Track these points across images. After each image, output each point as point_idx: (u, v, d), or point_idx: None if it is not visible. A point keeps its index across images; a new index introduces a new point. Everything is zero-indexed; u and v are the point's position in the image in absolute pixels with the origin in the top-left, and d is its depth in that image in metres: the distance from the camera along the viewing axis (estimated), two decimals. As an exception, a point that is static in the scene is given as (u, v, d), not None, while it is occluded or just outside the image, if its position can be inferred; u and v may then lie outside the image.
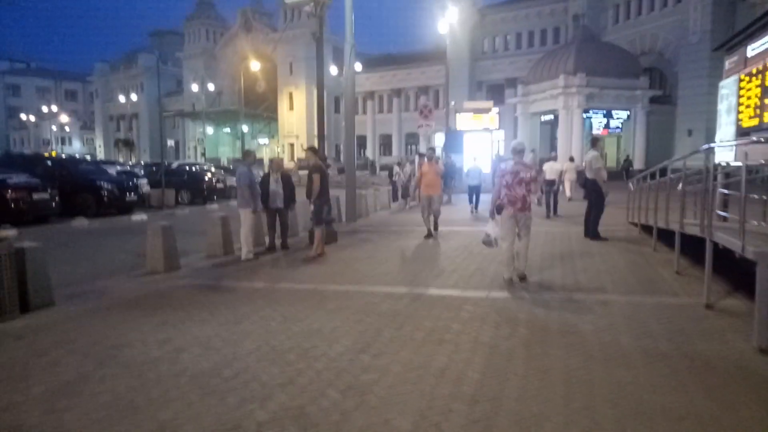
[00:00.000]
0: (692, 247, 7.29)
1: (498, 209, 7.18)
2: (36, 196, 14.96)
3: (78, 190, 16.79)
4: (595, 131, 36.64)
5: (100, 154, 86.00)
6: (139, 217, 16.73)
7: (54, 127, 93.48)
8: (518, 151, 7.33)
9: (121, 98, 78.98)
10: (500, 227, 7.18)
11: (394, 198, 20.08)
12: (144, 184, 20.62)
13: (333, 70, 48.34)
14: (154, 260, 8.23)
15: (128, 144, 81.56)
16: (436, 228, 11.43)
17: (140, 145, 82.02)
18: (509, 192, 7.06)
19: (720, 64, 31.07)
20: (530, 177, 7.13)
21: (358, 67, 46.67)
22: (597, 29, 42.00)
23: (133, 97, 77.69)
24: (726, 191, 6.40)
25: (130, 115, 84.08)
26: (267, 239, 10.40)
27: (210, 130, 67.11)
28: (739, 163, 5.43)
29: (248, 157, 9.46)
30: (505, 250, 7.13)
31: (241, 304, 6.24)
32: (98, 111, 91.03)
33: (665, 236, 8.78)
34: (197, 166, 26.65)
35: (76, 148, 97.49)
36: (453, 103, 28.84)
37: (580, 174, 13.26)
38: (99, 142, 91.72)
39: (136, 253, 9.86)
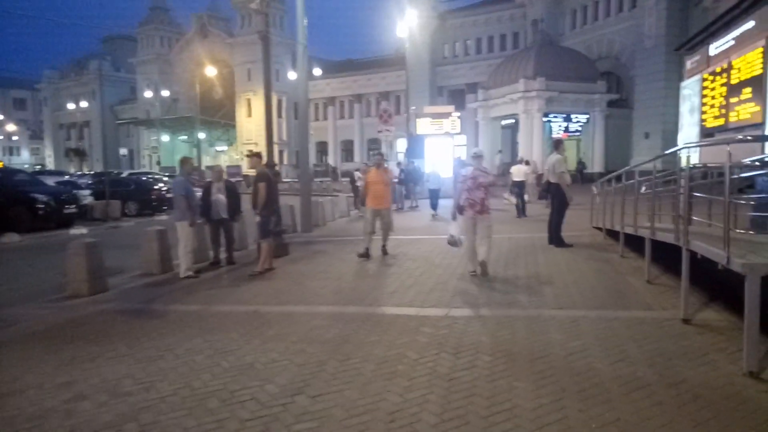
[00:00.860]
0: (662, 254, 6.85)
1: (459, 211, 7.76)
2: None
3: (10, 204, 15.51)
4: (555, 135, 36.83)
5: (50, 165, 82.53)
6: (77, 230, 15.57)
7: (0, 137, 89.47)
8: (477, 157, 8.04)
9: (72, 106, 76.03)
10: (461, 228, 7.80)
11: (356, 205, 19.32)
12: (86, 195, 19.40)
13: (291, 75, 47.41)
14: (77, 282, 7.33)
15: (79, 153, 78.50)
16: (384, 249, 9.60)
17: (92, 154, 79.03)
18: (469, 195, 7.62)
19: (676, 68, 31.46)
20: (488, 182, 7.81)
21: (317, 72, 46.17)
22: (555, 34, 42.39)
23: (85, 104, 74.82)
24: (698, 195, 5.95)
25: (81, 123, 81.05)
26: (211, 253, 9.60)
27: (166, 137, 65.14)
28: (717, 163, 4.99)
29: (185, 165, 8.64)
30: (467, 248, 7.79)
31: (168, 333, 5.45)
32: (47, 120, 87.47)
33: (632, 241, 8.37)
34: (146, 176, 25.37)
35: (24, 158, 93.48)
36: (413, 108, 28.38)
37: (539, 178, 12.90)
38: (49, 152, 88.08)
39: (64, 273, 8.92)
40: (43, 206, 15.77)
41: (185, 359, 4.65)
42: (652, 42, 34.35)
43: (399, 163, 23.35)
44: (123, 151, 67.38)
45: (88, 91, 79.75)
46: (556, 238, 9.89)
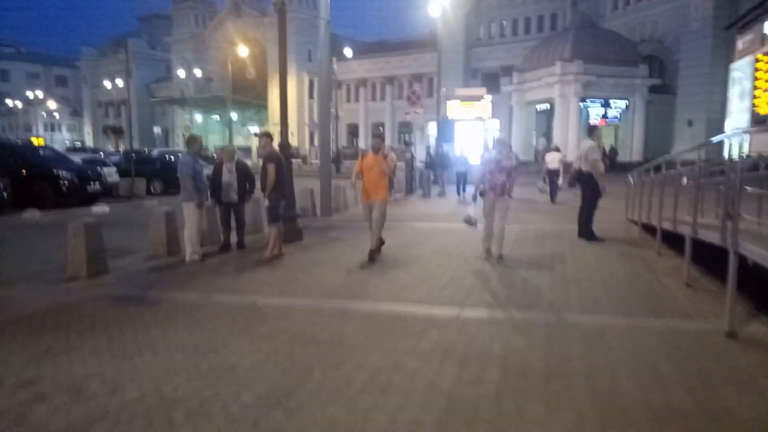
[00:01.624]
0: (703, 252, 6.15)
1: (480, 193, 8.08)
2: (-18, 187, 13.71)
3: (34, 180, 15.53)
4: (592, 121, 35.48)
5: (89, 142, 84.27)
6: (100, 208, 15.49)
7: (43, 114, 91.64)
8: (501, 142, 8.31)
9: (109, 84, 77.19)
10: (482, 209, 8.13)
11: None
12: (112, 173, 19.38)
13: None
14: (76, 264, 7.04)
15: (116, 131, 79.78)
16: (376, 248, 7.99)
17: (129, 132, 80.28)
18: (491, 178, 7.89)
19: (723, 52, 29.80)
20: (510, 166, 7.97)
21: (348, 52, 45.43)
22: (595, 16, 40.73)
23: (121, 83, 75.74)
24: (750, 189, 5.23)
25: (118, 101, 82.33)
26: (222, 237, 9.25)
27: (199, 117, 65.56)
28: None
29: (193, 145, 8.23)
30: (485, 228, 8.08)
31: (154, 324, 5.06)
32: (86, 97, 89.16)
33: (671, 238, 7.65)
34: (174, 155, 25.27)
35: (65, 135, 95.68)
36: (444, 90, 27.52)
37: (568, 166, 12.22)
38: (88, 129, 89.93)
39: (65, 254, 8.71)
40: (66, 183, 15.73)
41: (164, 357, 4.25)
42: (698, 24, 32.62)
43: (428, 147, 22.70)
44: (157, 129, 68.33)
45: (124, 69, 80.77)
46: (586, 231, 9.20)
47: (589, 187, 9.09)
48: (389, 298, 5.89)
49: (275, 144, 8.66)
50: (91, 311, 5.56)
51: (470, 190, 15.65)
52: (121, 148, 63.87)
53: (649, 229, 9.54)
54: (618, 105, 35.10)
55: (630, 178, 11.56)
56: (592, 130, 9.18)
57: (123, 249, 9.25)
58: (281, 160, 8.12)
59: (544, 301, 5.68)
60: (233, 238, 9.23)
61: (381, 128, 56.55)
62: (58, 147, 57.41)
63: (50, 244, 10.23)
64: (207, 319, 5.21)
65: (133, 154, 22.62)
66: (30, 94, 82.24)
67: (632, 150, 35.17)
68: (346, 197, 15.14)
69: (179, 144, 70.47)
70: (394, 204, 16.44)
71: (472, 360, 4.08)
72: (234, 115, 57.57)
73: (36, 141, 71.12)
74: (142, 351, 4.39)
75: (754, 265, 4.14)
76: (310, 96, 58.11)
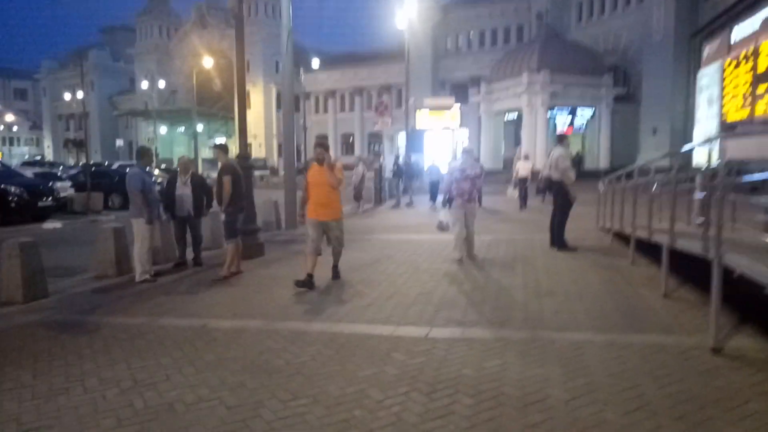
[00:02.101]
0: (679, 261, 5.91)
1: (449, 201, 8.54)
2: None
3: (-21, 196, 14.66)
4: (559, 130, 35.81)
5: (50, 155, 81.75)
6: (51, 224, 14.70)
7: (0, 127, 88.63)
8: (467, 152, 8.94)
9: (70, 97, 75.17)
10: (451, 215, 8.56)
11: (355, 198, 18.16)
12: (66, 187, 18.51)
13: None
14: (11, 288, 6.42)
15: (78, 144, 77.55)
16: (336, 272, 7.29)
17: (91, 145, 78.18)
18: (458, 186, 8.36)
19: (685, 62, 30.36)
20: (475, 174, 8.43)
21: (316, 64, 45.08)
22: (561, 27, 41.28)
23: (83, 95, 73.78)
24: (736, 196, 5.00)
25: (79, 114, 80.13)
26: (178, 253, 8.71)
27: (164, 129, 64.22)
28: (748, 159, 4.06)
29: (144, 158, 7.71)
30: (456, 235, 8.41)
31: (89, 355, 4.54)
32: (47, 110, 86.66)
33: (644, 246, 7.43)
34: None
35: (23, 149, 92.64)
36: (412, 99, 27.34)
37: (536, 174, 12.07)
38: (48, 143, 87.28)
39: None
40: (14, 198, 14.87)
41: (94, 394, 3.74)
42: (660, 35, 33.27)
43: (397, 157, 22.39)
44: (119, 142, 66.77)
45: (86, 82, 78.71)
46: (558, 241, 8.95)
47: (560, 196, 8.86)
48: (352, 318, 5.47)
49: (233, 155, 8.21)
50: (20, 341, 5.00)
51: (441, 198, 15.51)
52: (80, 162, 62.20)
53: (621, 237, 9.35)
54: (585, 114, 35.49)
55: (601, 185, 11.41)
56: (561, 138, 8.98)
57: (70, 268, 8.66)
58: (238, 171, 7.65)
59: (517, 316, 5.34)
60: (189, 255, 8.70)
61: (351, 138, 56.23)
62: (17, 161, 55.49)
63: None
64: (149, 347, 4.70)
65: (92, 168, 21.74)
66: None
67: (599, 157, 35.54)
68: (313, 209, 14.66)
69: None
70: (363, 215, 16.06)
71: (442, 387, 3.68)
72: (200, 127, 56.57)
73: (-8, 155, 68.50)
74: (71, 388, 3.87)
75: (738, 276, 3.87)
76: (278, 107, 57.47)
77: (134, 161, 8.31)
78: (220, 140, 63.21)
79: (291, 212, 12.72)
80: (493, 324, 5.11)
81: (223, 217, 7.50)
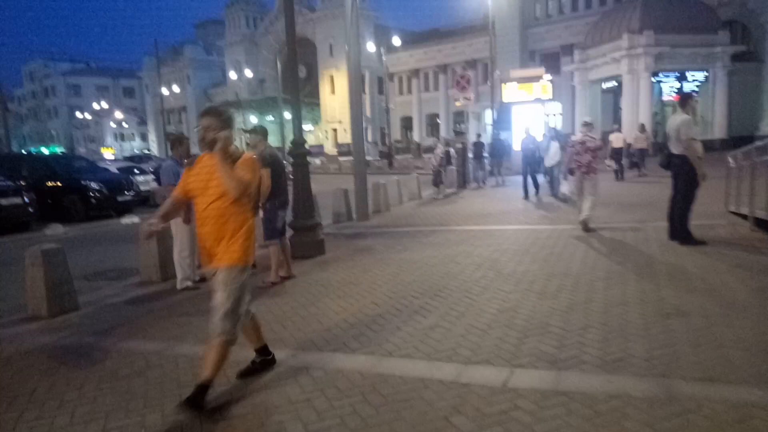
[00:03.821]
0: None
1: (570, 171, 9.02)
2: (5, 201, 13.03)
3: (62, 192, 14.85)
4: (665, 97, 32.15)
5: (154, 149, 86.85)
6: (129, 220, 14.57)
7: (112, 124, 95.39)
8: (587, 125, 9.03)
9: (168, 91, 79.08)
10: (572, 185, 9.26)
11: (434, 183, 16.69)
12: (148, 181, 18.60)
13: (370, 47, 45.33)
14: (36, 300, 5.76)
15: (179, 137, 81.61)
16: (195, 401, 3.26)
17: (190, 137, 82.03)
18: (578, 158, 8.69)
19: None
20: (595, 146, 8.69)
21: (396, 42, 43.67)
22: (665, -19, 37.00)
23: (178, 89, 77.51)
24: None
25: (178, 108, 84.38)
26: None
27: (254, 119, 65.75)
28: None
29: (178, 147, 6.84)
30: (583, 203, 8.71)
31: (72, 402, 3.62)
32: (149, 105, 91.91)
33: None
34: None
35: (134, 144, 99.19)
36: (498, 72, 25.34)
37: (656, 148, 10.18)
38: (152, 137, 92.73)
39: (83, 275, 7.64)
40: (95, 194, 14.92)
41: (39, 478, 2.76)
42: (791, -21, 28.68)
43: (478, 135, 20.69)
44: (213, 133, 69.10)
45: (183, 76, 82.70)
46: (681, 232, 7.13)
47: (682, 175, 7.00)
48: (407, 348, 4.19)
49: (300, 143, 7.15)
50: (12, 375, 4.19)
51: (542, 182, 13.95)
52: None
53: (763, 223, 7.36)
54: (696, 77, 31.55)
55: (730, 159, 9.28)
56: (685, 100, 7.06)
57: (125, 270, 8.11)
58: (278, 162, 6.56)
59: (636, 351, 3.82)
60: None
61: (436, 118, 54.42)
62: (126, 156, 58.85)
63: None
64: (147, 392, 3.71)
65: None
66: (96, 106, 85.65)
67: (713, 126, 31.55)
68: (388, 197, 13.49)
69: (237, 148, 71.04)
70: (442, 202, 14.68)
71: (524, 498, 2.33)
72: (287, 115, 57.27)
73: (105, 151, 73.82)
74: (20, 461, 2.93)
75: None
76: (364, 91, 56.85)
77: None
78: (308, 127, 63.92)
79: (362, 202, 11.61)
80: (601, 365, 3.64)
81: (260, 214, 6.45)
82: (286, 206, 6.75)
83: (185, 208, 6.39)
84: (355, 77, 11.83)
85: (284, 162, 6.88)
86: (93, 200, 14.94)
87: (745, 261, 6.10)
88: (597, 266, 6.35)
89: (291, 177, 7.83)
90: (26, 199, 13.48)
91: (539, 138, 15.45)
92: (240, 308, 3.50)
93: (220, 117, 3.40)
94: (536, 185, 14.02)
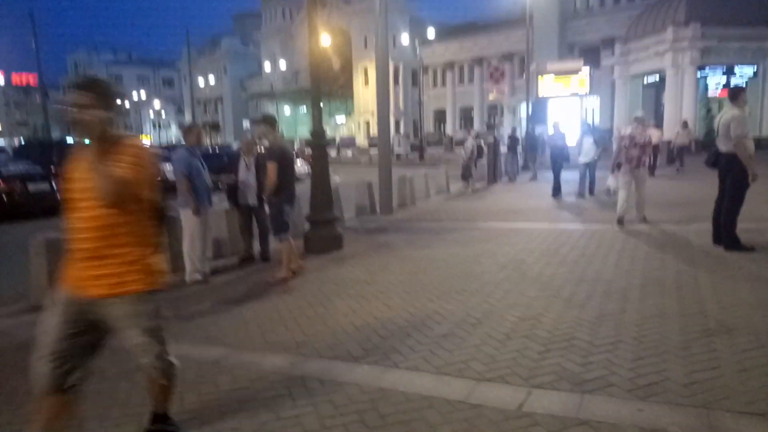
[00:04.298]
0: None
1: (618, 166, 8.97)
2: (33, 186, 13.15)
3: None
4: (711, 93, 30.73)
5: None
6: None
7: (152, 113, 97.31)
8: (639, 120, 9.01)
9: (205, 81, 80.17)
10: (619, 180, 9.01)
11: (463, 176, 16.16)
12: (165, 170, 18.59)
13: (405, 39, 44.76)
14: (39, 292, 5.58)
15: (213, 127, 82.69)
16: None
17: (225, 127, 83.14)
18: (626, 153, 8.65)
19: None
20: (645, 141, 8.78)
21: (431, 34, 42.96)
22: (715, -29, 35.30)
23: (214, 80, 78.42)
24: None
25: (215, 98, 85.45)
26: (244, 247, 7.60)
27: (288, 110, 66.02)
28: None
29: (189, 137, 6.58)
30: (621, 198, 8.72)
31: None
32: (186, 95, 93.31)
33: None
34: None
35: (173, 132, 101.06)
36: (534, 64, 24.52)
37: (702, 145, 9.54)
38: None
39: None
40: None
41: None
42: None
43: (514, 129, 20.07)
44: (246, 123, 69.73)
45: (220, 67, 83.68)
46: (727, 237, 6.54)
47: (731, 175, 6.40)
48: (415, 359, 3.82)
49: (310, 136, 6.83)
50: (2, 370, 4.00)
51: (568, 178, 13.09)
52: (219, 142, 65.68)
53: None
54: (744, 72, 30.00)
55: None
56: (736, 94, 6.43)
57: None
58: (287, 156, 6.23)
59: (674, 373, 3.36)
60: (257, 248, 7.55)
61: (471, 111, 53.55)
62: (164, 143, 59.53)
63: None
64: (131, 392, 3.45)
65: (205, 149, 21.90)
66: (135, 95, 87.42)
67: (762, 123, 29.97)
68: (414, 190, 13.09)
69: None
70: (471, 197, 14.20)
71: None
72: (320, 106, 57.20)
73: (143, 138, 75.10)
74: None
75: None
76: (395, 82, 56.31)
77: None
78: (341, 118, 63.77)
79: (386, 195, 11.24)
80: (632, 389, 3.19)
81: (267, 209, 6.13)
82: (293, 201, 6.43)
83: (194, 197, 6.20)
84: (383, 69, 11.46)
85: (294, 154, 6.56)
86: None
87: (800, 271, 5.51)
88: (632, 272, 5.83)
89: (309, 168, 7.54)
90: (54, 185, 13.57)
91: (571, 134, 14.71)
92: (163, 335, 2.75)
93: (94, 91, 2.46)
94: (559, 184, 12.97)
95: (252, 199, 7.21)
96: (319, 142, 7.84)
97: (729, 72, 29.99)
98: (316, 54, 8.24)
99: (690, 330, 4.08)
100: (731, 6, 29.48)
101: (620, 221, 8.53)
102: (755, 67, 29.82)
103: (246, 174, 7.24)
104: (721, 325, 4.13)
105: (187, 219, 6.33)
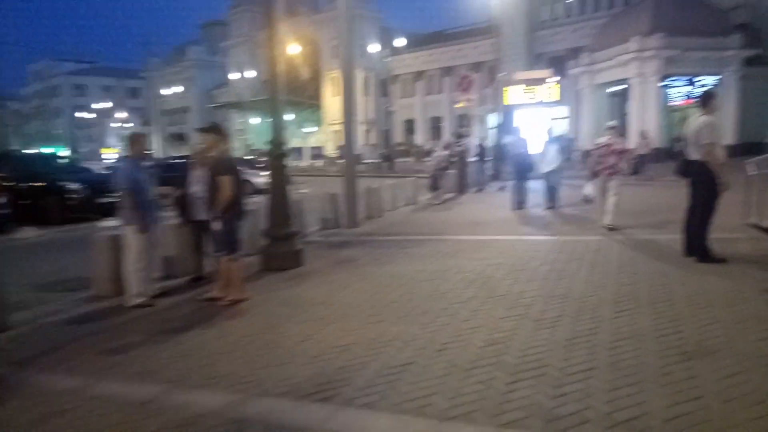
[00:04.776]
0: None
1: (594, 174, 9.31)
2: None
3: (40, 193, 14.14)
4: (673, 102, 31.30)
5: (157, 149, 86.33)
6: (109, 222, 13.86)
7: (116, 125, 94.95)
8: (612, 128, 9.41)
9: (171, 92, 78.73)
10: (595, 187, 9.46)
11: (432, 187, 15.84)
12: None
13: (374, 48, 44.61)
14: (-42, 319, 5.03)
15: (180, 138, 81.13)
16: None
17: (192, 138, 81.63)
18: (603, 160, 8.93)
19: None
20: (620, 148, 9.10)
21: (400, 43, 42.92)
22: (676, -17, 36.13)
23: (183, 90, 77.08)
24: None
25: (181, 108, 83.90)
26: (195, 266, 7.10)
27: (256, 120, 65.13)
28: None
29: (135, 147, 6.10)
30: (610, 204, 8.78)
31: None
32: (152, 106, 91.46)
33: None
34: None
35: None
36: (502, 74, 24.53)
37: (665, 154, 9.48)
38: (155, 137, 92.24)
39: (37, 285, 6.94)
40: (73, 196, 14.20)
41: None
42: (806, -19, 27.80)
43: (482, 139, 19.97)
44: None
45: (187, 77, 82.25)
46: (699, 248, 6.33)
47: (702, 183, 6.21)
48: (372, 394, 3.42)
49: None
50: None
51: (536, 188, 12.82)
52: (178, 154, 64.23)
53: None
54: (705, 82, 30.63)
55: (748, 167, 8.49)
56: (707, 100, 6.25)
57: (86, 281, 7.31)
58: (237, 168, 5.81)
59: (653, 407, 3.04)
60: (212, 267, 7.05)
61: (440, 121, 53.63)
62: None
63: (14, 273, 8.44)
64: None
65: (168, 161, 21.20)
66: (97, 106, 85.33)
67: (724, 132, 30.62)
68: (381, 201, 12.72)
69: (238, 149, 70.34)
70: (439, 208, 13.90)
71: None
72: (289, 116, 56.56)
73: (106, 151, 73.27)
74: None
75: None
76: (365, 93, 56.11)
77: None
78: (311, 129, 63.17)
79: (351, 208, 10.84)
80: (611, 427, 2.86)
81: (217, 225, 5.65)
82: (244, 216, 5.99)
83: (139, 214, 5.72)
84: (348, 78, 11.11)
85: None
86: (71, 202, 14.22)
87: (774, 283, 5.30)
88: (604, 286, 5.56)
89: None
90: (2, 200, 12.79)
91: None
92: None
93: None
94: (525, 195, 12.49)
95: (203, 214, 6.73)
96: (277, 152, 7.41)
97: (691, 82, 30.61)
98: (274, 59, 7.84)
99: (668, 353, 3.78)
100: (694, 17, 30.12)
101: (611, 228, 8.68)
102: (717, 76, 30.47)
103: (197, 188, 6.76)
104: (700, 347, 3.85)
105: (129, 237, 5.83)
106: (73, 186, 14.32)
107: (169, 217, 7.17)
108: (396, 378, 3.63)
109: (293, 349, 4.28)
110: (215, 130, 5.92)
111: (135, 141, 6.14)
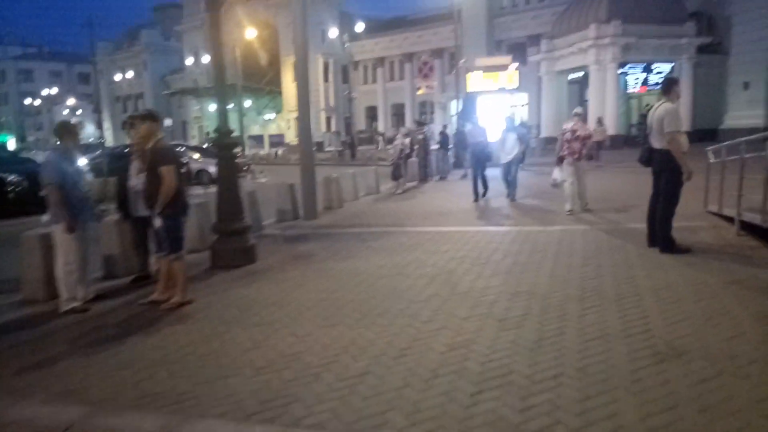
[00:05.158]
0: None
1: (560, 159, 9.48)
2: None
3: (-22, 186, 13.24)
4: (631, 90, 31.81)
5: (109, 137, 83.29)
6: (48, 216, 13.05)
7: (66, 112, 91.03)
8: (578, 114, 9.74)
9: (123, 77, 75.91)
10: (563, 172, 9.43)
11: (393, 176, 15.50)
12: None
13: (333, 33, 43.84)
14: None
15: (134, 125, 78.36)
16: None
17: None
18: (569, 145, 9.27)
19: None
20: (585, 134, 9.54)
21: (360, 28, 42.26)
22: (632, -29, 36.56)
23: (136, 76, 74.38)
24: None
25: (135, 95, 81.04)
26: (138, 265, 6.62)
27: (213, 107, 63.42)
28: None
29: (66, 137, 5.57)
30: (568, 189, 9.30)
31: None
32: (104, 92, 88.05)
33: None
34: (177, 148, 22.80)
35: (89, 131, 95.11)
36: (463, 60, 24.30)
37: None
38: (107, 125, 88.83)
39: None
40: (13, 188, 13.34)
41: None
42: (756, -29, 28.49)
43: (445, 126, 19.73)
44: (168, 122, 66.46)
45: (140, 62, 79.38)
46: (663, 238, 6.21)
47: (666, 173, 6.08)
48: (320, 413, 3.10)
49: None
50: None
51: (493, 175, 12.58)
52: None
53: (752, 228, 6.54)
54: (661, 69, 31.17)
55: (711, 155, 8.48)
56: (669, 86, 6.11)
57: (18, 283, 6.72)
58: (180, 158, 5.37)
59: (628, 419, 2.82)
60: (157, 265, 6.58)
61: (402, 108, 53.29)
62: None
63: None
64: None
65: (117, 150, 20.27)
66: (45, 92, 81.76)
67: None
68: (341, 191, 12.34)
69: (195, 137, 68.46)
70: (401, 197, 13.61)
71: None
72: (248, 103, 55.26)
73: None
74: None
75: None
76: (325, 79, 55.23)
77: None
78: (270, 116, 61.93)
79: (309, 199, 10.44)
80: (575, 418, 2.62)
81: (158, 222, 5.20)
82: (187, 211, 5.55)
83: (69, 211, 5.21)
84: (302, 63, 10.67)
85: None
86: (11, 195, 13.35)
87: (740, 275, 5.19)
88: (569, 281, 5.36)
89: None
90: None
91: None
92: None
93: None
94: (485, 185, 12.14)
95: (144, 210, 6.24)
96: (226, 142, 6.95)
97: (647, 69, 31.12)
98: (218, 44, 7.34)
99: (638, 355, 3.58)
100: (650, 4, 30.53)
101: (570, 211, 9.16)
102: (672, 63, 31.04)
103: (137, 181, 6.26)
104: (671, 347, 3.66)
105: (59, 236, 5.33)
106: (12, 178, 13.43)
107: (109, 211, 6.65)
108: (349, 392, 3.31)
109: (239, 359, 3.91)
110: (151, 117, 5.44)
111: (66, 130, 5.62)
